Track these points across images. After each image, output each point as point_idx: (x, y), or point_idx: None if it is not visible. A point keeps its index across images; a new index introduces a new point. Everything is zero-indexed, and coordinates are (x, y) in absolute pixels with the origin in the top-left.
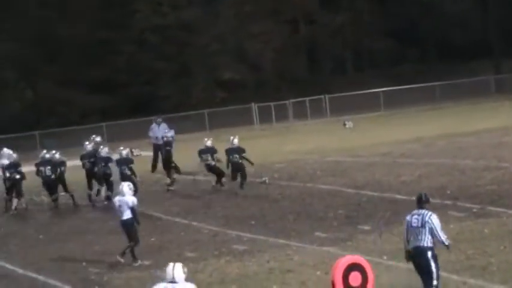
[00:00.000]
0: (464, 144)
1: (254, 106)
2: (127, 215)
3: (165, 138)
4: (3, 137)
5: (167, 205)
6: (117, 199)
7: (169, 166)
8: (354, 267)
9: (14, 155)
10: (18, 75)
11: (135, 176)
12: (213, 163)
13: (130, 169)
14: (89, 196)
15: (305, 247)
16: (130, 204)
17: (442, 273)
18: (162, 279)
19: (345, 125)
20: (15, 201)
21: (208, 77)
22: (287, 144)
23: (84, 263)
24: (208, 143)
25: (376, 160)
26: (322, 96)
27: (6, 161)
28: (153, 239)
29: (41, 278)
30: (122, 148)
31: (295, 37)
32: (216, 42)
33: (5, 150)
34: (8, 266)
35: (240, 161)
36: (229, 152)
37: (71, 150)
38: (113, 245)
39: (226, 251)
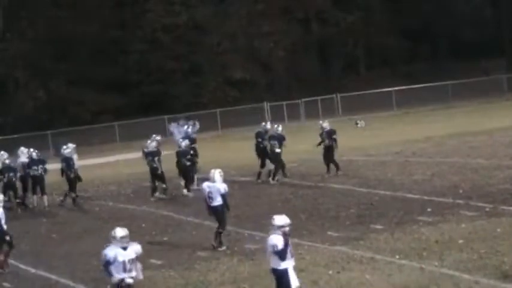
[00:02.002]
0: (477, 143)
1: (266, 105)
2: (218, 201)
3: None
4: (16, 136)
5: (179, 204)
6: (206, 185)
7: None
8: None
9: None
10: (30, 75)
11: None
12: (278, 150)
13: (189, 160)
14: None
15: (317, 246)
16: (222, 191)
17: (454, 273)
18: None
19: (356, 124)
20: (35, 198)
21: (220, 76)
22: (299, 144)
23: (96, 262)
24: (279, 129)
25: (388, 159)
26: (334, 96)
27: (25, 160)
28: (165, 239)
29: (53, 277)
30: (181, 140)
31: (306, 36)
32: (227, 41)
33: (22, 149)
34: (20, 265)
35: (334, 143)
36: (327, 134)
37: (83, 149)
38: None
39: (238, 250)
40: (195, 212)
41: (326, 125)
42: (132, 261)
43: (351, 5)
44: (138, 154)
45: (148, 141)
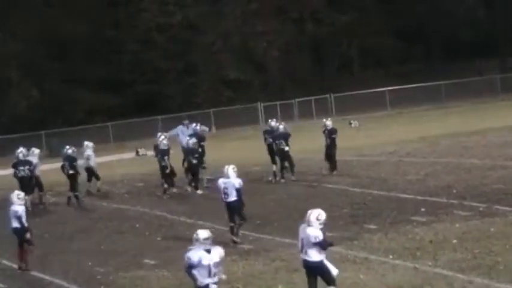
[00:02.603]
0: (470, 143)
1: (260, 105)
2: (233, 196)
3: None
4: (9, 136)
5: (172, 205)
6: (221, 181)
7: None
8: None
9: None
10: (23, 75)
11: (202, 163)
12: (286, 148)
13: (196, 158)
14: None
15: None
16: (237, 186)
17: (448, 273)
18: None
19: (350, 124)
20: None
21: (214, 76)
22: (293, 144)
23: (89, 263)
24: (281, 126)
25: (381, 159)
26: (328, 96)
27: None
28: (158, 239)
29: (46, 277)
30: (188, 138)
31: (300, 36)
32: (222, 41)
33: (34, 149)
34: (13, 265)
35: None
36: (328, 133)
37: (77, 149)
38: (119, 245)
39: (232, 250)
40: (189, 212)
41: (329, 123)
42: (216, 264)
43: (345, 5)
44: (132, 154)
45: (160, 139)
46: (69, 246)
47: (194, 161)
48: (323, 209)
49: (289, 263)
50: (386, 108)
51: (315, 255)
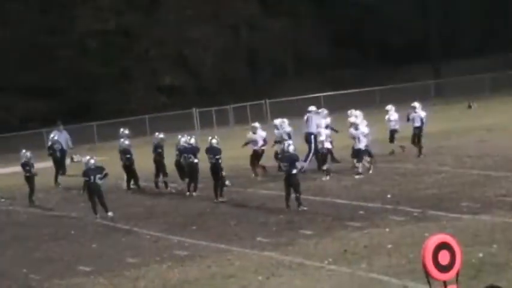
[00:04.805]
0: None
1: (195, 111)
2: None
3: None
4: None
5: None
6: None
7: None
8: (442, 246)
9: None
10: None
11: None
12: (195, 161)
13: (217, 159)
14: None
15: (246, 252)
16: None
17: (383, 277)
18: None
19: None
20: None
21: (149, 83)
22: (228, 150)
23: (24, 270)
24: (192, 140)
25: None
26: (263, 101)
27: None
28: (94, 245)
29: None
30: (210, 137)
31: (235, 42)
32: (157, 47)
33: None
34: None
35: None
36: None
37: (10, 156)
38: (54, 252)
39: (167, 256)
40: (125, 218)
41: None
42: None
43: (280, 11)
44: (67, 161)
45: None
46: (4, 254)
47: (213, 161)
48: (259, 214)
49: (224, 269)
50: None
51: None
